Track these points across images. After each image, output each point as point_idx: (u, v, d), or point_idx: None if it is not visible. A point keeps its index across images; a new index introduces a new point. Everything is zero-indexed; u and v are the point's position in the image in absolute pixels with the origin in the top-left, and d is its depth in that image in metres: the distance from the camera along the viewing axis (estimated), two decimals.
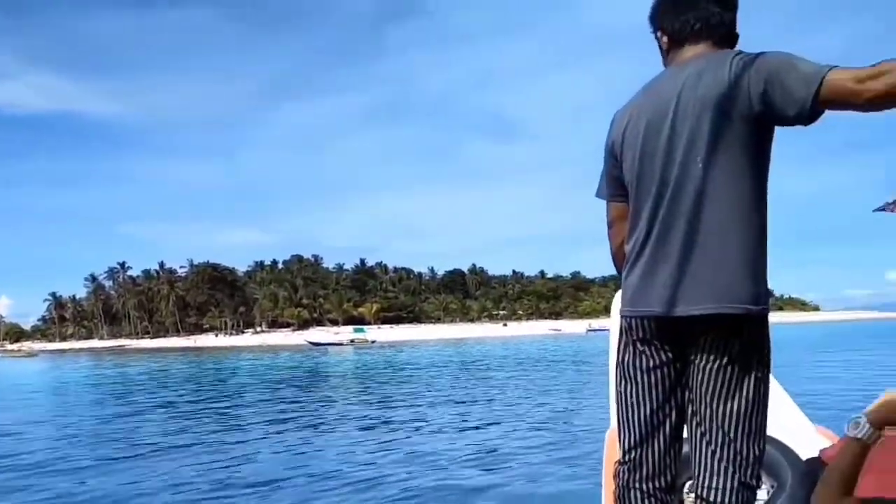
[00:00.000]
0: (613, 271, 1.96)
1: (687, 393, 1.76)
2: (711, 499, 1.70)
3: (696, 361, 1.70)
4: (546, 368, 27.86)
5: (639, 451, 1.81)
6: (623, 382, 1.83)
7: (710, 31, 1.77)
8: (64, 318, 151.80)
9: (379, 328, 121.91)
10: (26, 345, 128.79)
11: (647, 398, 1.79)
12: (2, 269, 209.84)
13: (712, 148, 1.63)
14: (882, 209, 2.72)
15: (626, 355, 1.82)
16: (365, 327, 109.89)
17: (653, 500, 1.82)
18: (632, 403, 1.81)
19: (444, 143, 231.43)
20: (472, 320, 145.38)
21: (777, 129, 1.67)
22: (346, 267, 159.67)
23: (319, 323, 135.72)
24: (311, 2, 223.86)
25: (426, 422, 12.85)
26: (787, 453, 2.68)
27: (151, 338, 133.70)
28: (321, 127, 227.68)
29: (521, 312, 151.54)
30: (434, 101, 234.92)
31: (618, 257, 1.91)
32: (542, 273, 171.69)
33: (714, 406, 1.69)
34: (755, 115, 1.61)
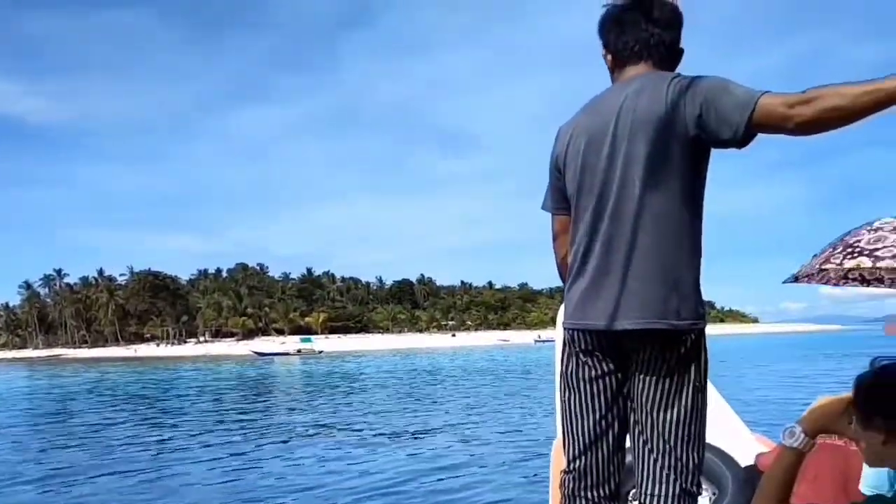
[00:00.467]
0: (560, 283, 1.99)
1: (629, 402, 1.80)
2: None
3: (637, 372, 1.75)
4: (494, 379, 27.96)
5: (583, 459, 1.84)
6: (567, 392, 1.87)
7: (650, 51, 1.81)
8: None
9: (326, 338, 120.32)
10: None
11: (590, 408, 1.82)
12: None
13: (649, 168, 1.68)
14: (793, 280, 2.86)
15: (570, 366, 1.86)
16: (312, 337, 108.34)
17: None
18: (576, 413, 1.84)
19: (393, 153, 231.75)
20: (420, 331, 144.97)
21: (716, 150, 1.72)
22: (292, 276, 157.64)
23: (265, 333, 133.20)
24: (259, 7, 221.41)
25: (373, 434, 12.74)
26: (728, 461, 2.75)
27: (89, 347, 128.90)
28: (268, 134, 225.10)
29: (469, 323, 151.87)
30: (384, 111, 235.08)
31: (562, 268, 1.95)
32: (491, 284, 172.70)
33: (654, 415, 1.73)
34: (691, 138, 1.66)
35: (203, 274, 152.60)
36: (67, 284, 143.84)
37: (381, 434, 12.55)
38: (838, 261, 2.67)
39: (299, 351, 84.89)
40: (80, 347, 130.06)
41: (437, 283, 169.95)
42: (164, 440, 12.66)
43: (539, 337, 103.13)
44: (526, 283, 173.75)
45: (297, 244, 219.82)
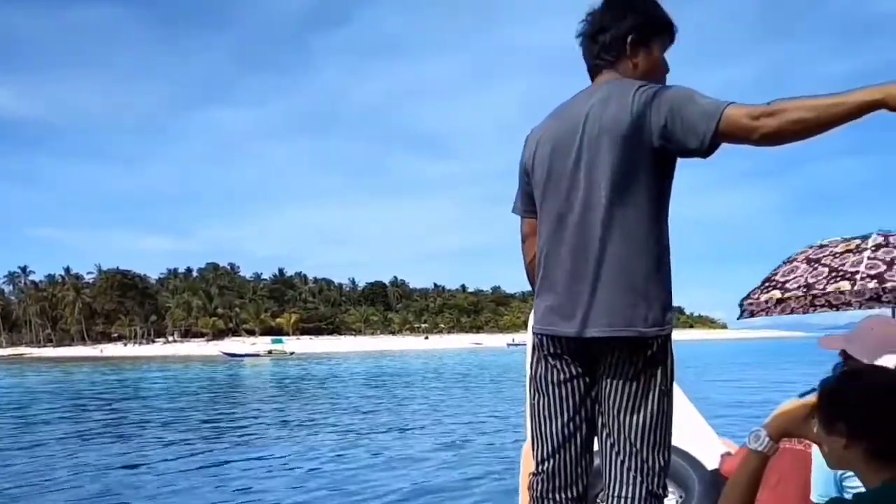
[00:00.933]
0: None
1: (597, 406, 1.83)
2: None
3: (604, 377, 1.78)
4: (467, 382, 28.00)
5: (552, 462, 1.86)
6: (536, 395, 1.88)
7: (610, 66, 1.84)
8: None
9: (298, 339, 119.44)
10: None
11: (558, 410, 1.84)
12: None
13: (614, 176, 1.70)
14: (746, 315, 2.98)
15: (539, 369, 1.87)
16: (283, 338, 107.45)
17: None
18: (545, 416, 1.86)
19: (366, 156, 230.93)
20: (393, 333, 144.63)
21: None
22: (263, 276, 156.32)
23: (235, 333, 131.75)
24: (231, 6, 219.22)
25: (342, 438, 12.67)
26: (694, 464, 2.79)
27: (55, 346, 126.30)
28: (240, 135, 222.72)
29: (442, 326, 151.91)
30: (358, 114, 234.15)
31: (530, 271, 1.97)
32: (464, 287, 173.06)
33: (621, 419, 1.76)
34: (657, 147, 1.68)
35: (173, 273, 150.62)
36: (33, 282, 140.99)
37: (350, 437, 12.48)
38: (756, 296, 2.84)
39: (270, 352, 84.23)
40: (44, 346, 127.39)
41: (411, 286, 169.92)
42: (123, 445, 12.30)
43: (513, 340, 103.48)
44: (499, 287, 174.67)
45: (270, 245, 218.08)
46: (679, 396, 2.83)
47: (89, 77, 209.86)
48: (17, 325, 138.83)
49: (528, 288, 1.95)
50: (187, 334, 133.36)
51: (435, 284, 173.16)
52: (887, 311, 3.13)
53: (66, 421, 16.42)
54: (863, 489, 1.35)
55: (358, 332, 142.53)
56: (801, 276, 2.73)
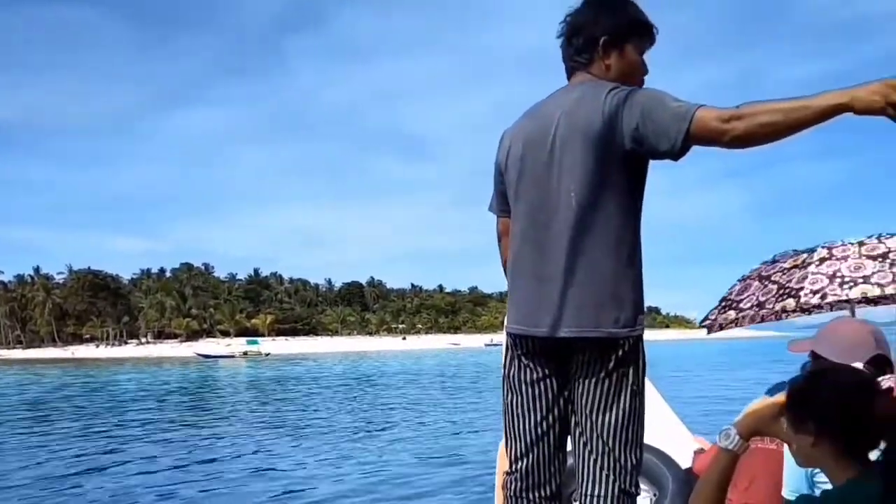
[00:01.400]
0: None
1: (570, 405, 1.84)
2: None
3: (576, 376, 1.79)
4: (444, 383, 28.02)
5: (525, 461, 1.87)
6: (510, 394, 1.89)
7: (583, 67, 1.86)
8: None
9: (273, 340, 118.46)
10: None
11: (531, 409, 1.85)
12: None
13: (585, 178, 1.71)
14: (708, 325, 3.04)
15: (512, 368, 1.88)
16: (259, 339, 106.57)
17: None
18: (518, 414, 1.87)
19: (342, 158, 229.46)
20: (370, 333, 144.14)
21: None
22: (238, 277, 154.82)
23: (210, 334, 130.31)
24: (209, 8, 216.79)
25: (317, 439, 12.61)
26: (668, 462, 2.82)
27: (24, 348, 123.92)
28: (214, 136, 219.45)
29: (420, 326, 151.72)
30: (333, 116, 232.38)
31: (506, 269, 1.97)
32: (441, 287, 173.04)
33: (594, 418, 1.77)
34: (628, 149, 1.69)
35: (146, 273, 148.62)
36: (1, 282, 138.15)
37: (325, 438, 12.43)
38: (714, 317, 2.92)
39: (245, 353, 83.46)
40: (13, 348, 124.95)
41: (388, 286, 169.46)
42: (89, 450, 12.01)
43: (491, 341, 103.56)
44: (476, 287, 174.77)
45: (244, 246, 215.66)
46: (653, 395, 2.86)
47: (61, 78, 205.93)
48: None
49: (506, 288, 1.95)
50: (161, 335, 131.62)
51: (412, 285, 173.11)
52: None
53: (39, 423, 16.13)
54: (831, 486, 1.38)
55: (335, 332, 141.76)
56: (753, 294, 2.80)
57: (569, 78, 1.90)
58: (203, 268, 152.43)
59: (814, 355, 2.09)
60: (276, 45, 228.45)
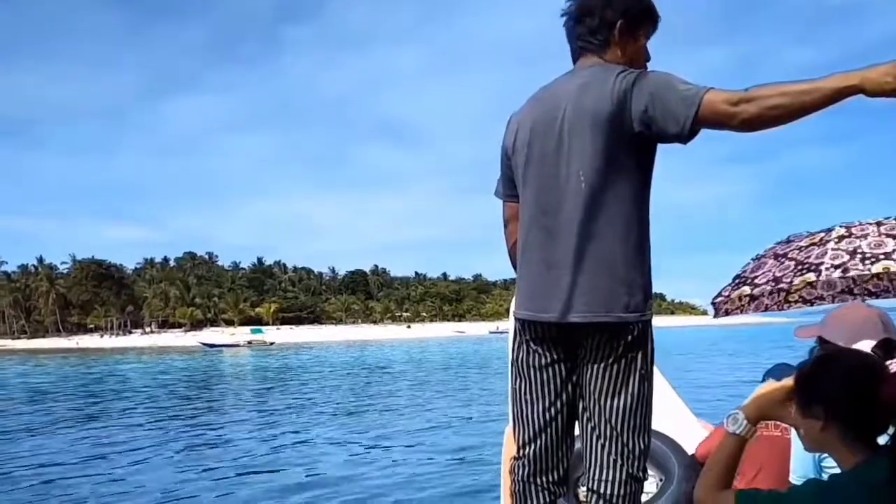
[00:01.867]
0: (514, 274, 2.00)
1: (578, 390, 1.84)
2: (601, 490, 1.78)
3: (585, 361, 1.79)
4: (449, 370, 28.09)
5: (533, 446, 1.87)
6: (518, 380, 1.89)
7: (594, 50, 1.83)
8: None
9: (278, 329, 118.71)
10: None
11: (539, 394, 1.85)
12: None
13: (594, 162, 1.70)
14: (721, 314, 3.02)
15: (521, 354, 1.88)
16: (263, 328, 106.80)
17: (546, 493, 1.88)
18: (526, 400, 1.87)
19: (343, 146, 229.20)
20: (374, 321, 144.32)
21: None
22: (242, 265, 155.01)
23: (214, 323, 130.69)
24: None
25: (325, 427, 12.66)
26: (675, 447, 2.82)
27: (29, 338, 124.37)
28: (213, 124, 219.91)
29: (424, 314, 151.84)
30: (332, 104, 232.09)
31: (513, 255, 1.97)
32: (445, 275, 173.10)
33: (602, 402, 1.77)
34: (637, 133, 1.68)
35: (149, 263, 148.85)
36: (5, 273, 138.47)
37: (332, 426, 12.48)
38: (727, 293, 2.90)
39: (250, 342, 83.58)
40: (18, 338, 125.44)
41: (392, 274, 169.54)
42: (97, 439, 12.08)
43: (496, 328, 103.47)
44: (480, 275, 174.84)
45: (248, 235, 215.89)
46: (660, 380, 2.86)
47: (58, 67, 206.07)
48: None
49: (510, 276, 1.95)
50: (165, 325, 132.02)
51: (416, 273, 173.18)
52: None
53: (42, 413, 16.23)
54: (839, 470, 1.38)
55: (339, 321, 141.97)
56: (769, 270, 2.78)
57: (575, 60, 1.88)
58: (206, 257, 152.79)
59: (821, 340, 2.09)
60: (272, 33, 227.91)
